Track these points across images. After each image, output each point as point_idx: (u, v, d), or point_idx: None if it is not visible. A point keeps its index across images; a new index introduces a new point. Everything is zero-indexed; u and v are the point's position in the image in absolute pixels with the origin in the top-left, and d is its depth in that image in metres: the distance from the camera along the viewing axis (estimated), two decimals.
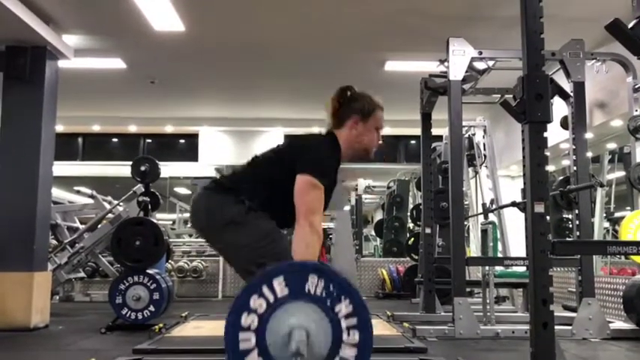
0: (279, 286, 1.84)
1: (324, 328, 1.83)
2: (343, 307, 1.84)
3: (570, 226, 7.00)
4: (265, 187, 2.32)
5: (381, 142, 2.56)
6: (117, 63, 7.47)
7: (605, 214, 7.76)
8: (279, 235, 2.30)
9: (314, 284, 1.85)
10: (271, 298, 1.84)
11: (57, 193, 8.64)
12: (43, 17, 5.81)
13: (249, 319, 1.83)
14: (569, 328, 4.87)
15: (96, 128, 11.06)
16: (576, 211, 5.30)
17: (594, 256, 6.06)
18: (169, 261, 8.84)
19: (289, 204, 2.23)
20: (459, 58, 5.31)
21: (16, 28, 5.55)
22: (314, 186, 2.23)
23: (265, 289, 1.84)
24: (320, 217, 2.23)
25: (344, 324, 1.84)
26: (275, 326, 1.83)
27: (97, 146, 11.67)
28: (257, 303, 1.83)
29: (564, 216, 7.51)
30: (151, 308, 5.52)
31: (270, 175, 2.35)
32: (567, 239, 7.05)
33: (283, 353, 1.81)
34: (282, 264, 1.96)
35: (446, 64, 5.45)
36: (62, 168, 8.96)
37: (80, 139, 11.39)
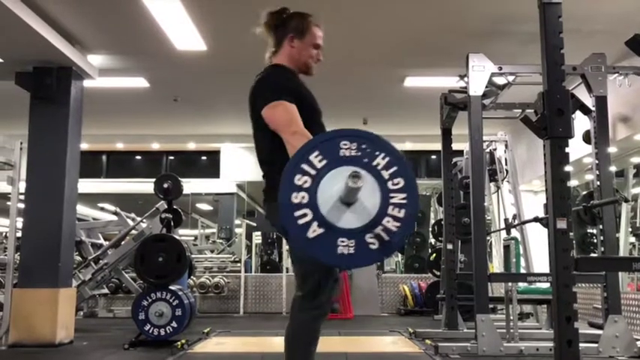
0: (317, 159, 1.93)
1: (370, 183, 1.91)
2: (381, 160, 1.93)
3: (595, 241, 6.90)
4: (270, 149, 2.39)
5: (321, 59, 2.65)
6: (140, 82, 7.59)
7: (630, 229, 7.64)
8: None
9: (347, 147, 1.93)
10: (313, 172, 1.92)
11: (81, 210, 8.78)
12: (69, 39, 5.95)
13: (299, 197, 1.90)
14: (596, 345, 4.78)
15: (120, 146, 11.22)
16: (600, 227, 5.22)
17: (620, 272, 5.96)
18: (191, 277, 8.90)
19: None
20: (479, 74, 5.31)
21: (43, 49, 5.69)
22: (273, 107, 2.31)
23: (305, 166, 1.92)
24: (299, 123, 2.28)
25: (385, 175, 1.93)
26: (326, 192, 1.90)
27: (120, 164, 11.85)
28: (302, 180, 1.91)
29: (589, 231, 7.41)
30: (174, 324, 5.55)
31: (263, 135, 2.41)
32: (591, 255, 6.95)
33: (340, 212, 1.90)
34: (313, 139, 2.04)
35: (466, 79, 5.45)
36: (87, 185, 9.10)
37: (104, 157, 11.58)
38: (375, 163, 1.93)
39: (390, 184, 1.93)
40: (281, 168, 2.02)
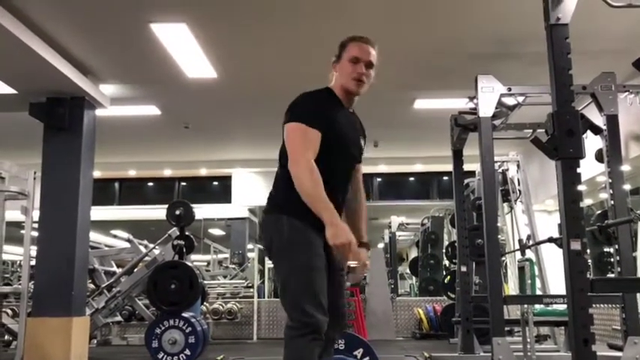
0: None
1: None
2: None
3: (612, 260, 6.80)
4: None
5: (364, 73, 2.51)
6: (152, 110, 7.67)
7: None
8: (317, 272, 2.26)
9: None
10: None
11: (94, 237, 8.81)
12: (82, 69, 6.04)
13: None
14: None
15: (132, 173, 11.29)
16: (616, 246, 5.14)
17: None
18: (204, 303, 8.86)
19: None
20: (488, 95, 5.29)
21: (56, 80, 5.79)
22: (292, 128, 2.26)
23: None
24: (309, 153, 2.19)
25: None
26: None
27: (133, 191, 11.90)
28: None
29: (605, 250, 7.31)
30: (187, 352, 5.53)
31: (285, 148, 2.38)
32: (607, 277, 6.84)
33: None
34: None
35: (475, 100, 5.44)
36: (99, 212, 9.15)
37: (117, 184, 11.64)
38: None
39: None
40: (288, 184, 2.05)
